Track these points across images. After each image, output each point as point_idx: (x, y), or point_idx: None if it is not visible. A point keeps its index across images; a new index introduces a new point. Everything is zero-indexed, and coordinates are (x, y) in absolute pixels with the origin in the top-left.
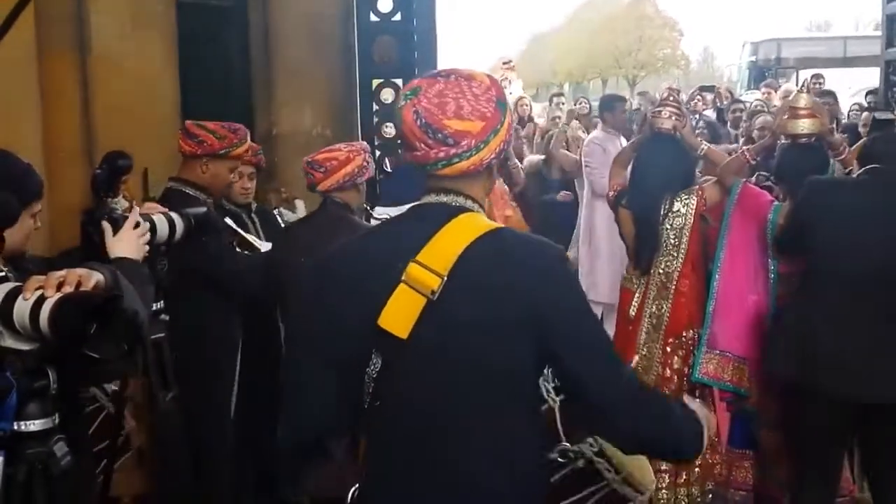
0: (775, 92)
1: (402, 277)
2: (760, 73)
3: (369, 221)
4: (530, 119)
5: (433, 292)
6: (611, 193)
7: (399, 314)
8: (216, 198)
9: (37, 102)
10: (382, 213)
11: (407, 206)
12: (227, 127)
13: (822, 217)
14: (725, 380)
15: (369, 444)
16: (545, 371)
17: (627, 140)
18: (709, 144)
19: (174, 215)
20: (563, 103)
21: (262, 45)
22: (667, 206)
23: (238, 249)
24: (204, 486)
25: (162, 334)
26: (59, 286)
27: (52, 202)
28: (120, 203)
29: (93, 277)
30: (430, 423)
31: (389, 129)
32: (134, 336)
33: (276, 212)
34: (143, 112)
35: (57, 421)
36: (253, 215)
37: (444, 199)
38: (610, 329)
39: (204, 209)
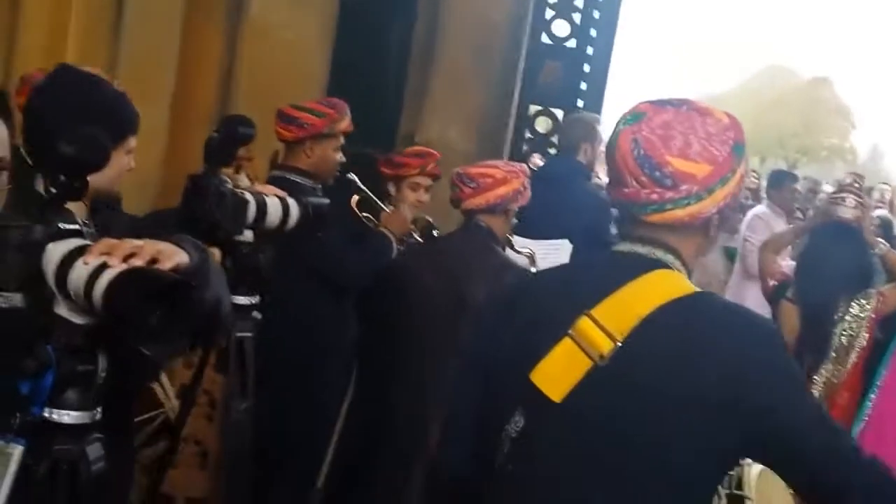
0: None
1: (570, 330)
2: None
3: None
4: None
5: (602, 357)
6: (772, 283)
7: (556, 372)
8: (325, 182)
9: (173, 60)
10: (524, 245)
11: (549, 243)
12: (325, 103)
13: None
14: None
15: None
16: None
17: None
18: (888, 245)
19: (291, 200)
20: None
21: (426, 44)
22: (843, 308)
23: (358, 212)
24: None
25: (249, 333)
26: (129, 257)
27: (172, 169)
28: (241, 180)
29: (176, 256)
30: (563, 500)
31: (537, 161)
32: (210, 327)
33: None
34: (287, 90)
35: (98, 417)
36: None
37: (640, 249)
38: None
39: (327, 201)
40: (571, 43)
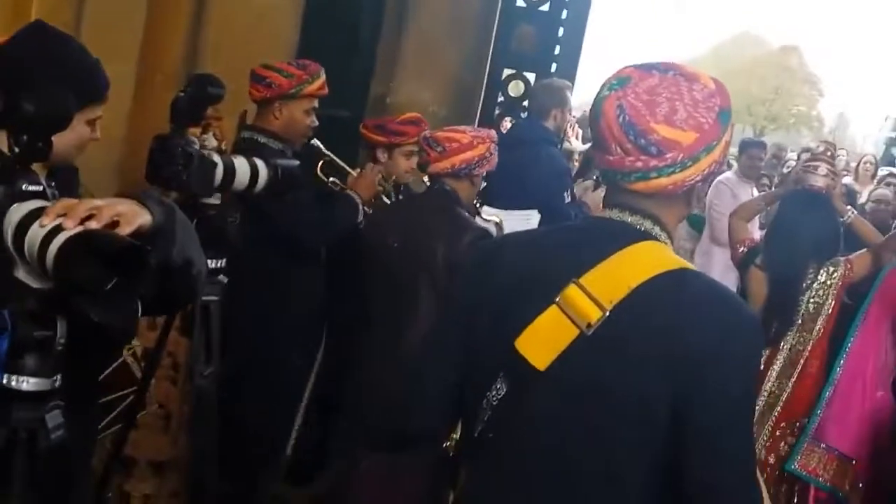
0: None
1: (556, 298)
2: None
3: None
4: None
5: (589, 325)
6: (741, 249)
7: (541, 340)
8: (294, 145)
9: (140, 18)
10: (492, 213)
11: (519, 213)
12: (295, 64)
13: None
14: (824, 479)
15: (471, 476)
16: None
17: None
18: (855, 213)
19: (259, 162)
20: None
21: (398, 5)
22: (811, 276)
23: (324, 177)
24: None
25: (215, 297)
26: (86, 219)
27: (138, 128)
28: (209, 141)
29: (137, 218)
30: (547, 470)
31: (508, 125)
32: (180, 288)
33: None
34: (256, 50)
35: (58, 384)
36: None
37: (628, 218)
38: None
39: (297, 162)
40: (545, 6)
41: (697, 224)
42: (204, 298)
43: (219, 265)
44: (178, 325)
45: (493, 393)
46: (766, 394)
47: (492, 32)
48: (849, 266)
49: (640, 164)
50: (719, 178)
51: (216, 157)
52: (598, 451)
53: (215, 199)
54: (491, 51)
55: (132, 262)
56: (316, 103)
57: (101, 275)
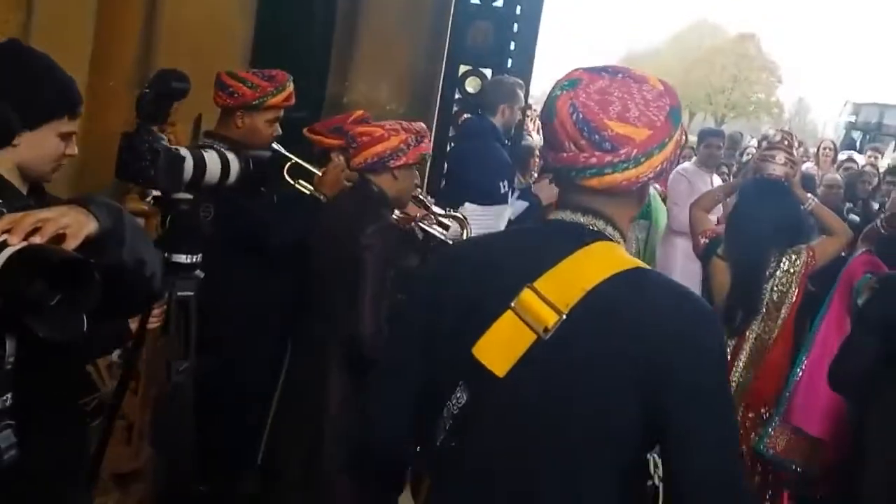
0: (881, 156)
1: (512, 303)
2: (853, 137)
3: (427, 216)
4: None
5: (546, 330)
6: (702, 240)
7: (499, 346)
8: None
9: (91, 24)
10: (474, 210)
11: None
12: (260, 75)
13: None
14: (794, 461)
15: (436, 486)
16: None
17: (722, 180)
18: (816, 200)
19: (230, 155)
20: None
21: (351, 4)
22: (773, 265)
23: (291, 180)
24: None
25: (191, 293)
26: (31, 234)
27: (92, 133)
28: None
29: (84, 227)
30: (510, 478)
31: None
32: (135, 290)
33: None
34: (211, 51)
35: (8, 403)
36: None
37: (580, 218)
38: None
39: (269, 153)
40: (499, 2)
41: (648, 215)
42: (180, 294)
43: (194, 260)
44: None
45: (454, 401)
46: (733, 384)
47: (447, 29)
48: (811, 253)
49: (594, 160)
50: (677, 168)
51: (184, 152)
52: (561, 456)
53: (186, 195)
54: (447, 47)
55: (77, 276)
56: (281, 113)
57: (45, 291)
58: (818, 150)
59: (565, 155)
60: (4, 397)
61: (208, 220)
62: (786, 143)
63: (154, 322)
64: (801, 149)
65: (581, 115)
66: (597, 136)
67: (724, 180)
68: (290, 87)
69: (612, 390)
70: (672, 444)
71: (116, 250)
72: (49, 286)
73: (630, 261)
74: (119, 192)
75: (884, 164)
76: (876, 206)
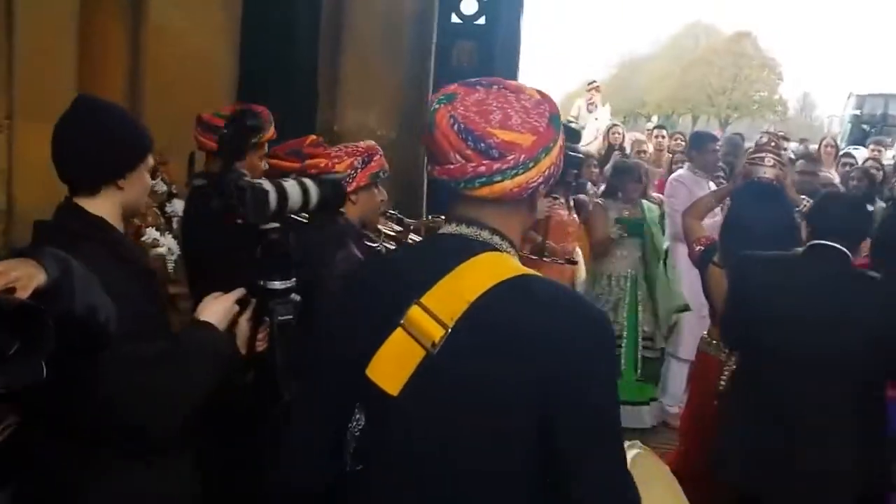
0: (885, 149)
1: (402, 321)
2: (864, 129)
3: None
4: (621, 148)
5: (434, 345)
6: (697, 248)
7: (391, 365)
8: None
9: (72, 70)
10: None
11: None
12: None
13: None
14: None
15: None
16: None
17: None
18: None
19: (308, 181)
20: (663, 136)
21: (334, 32)
22: None
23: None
24: None
25: (290, 316)
26: None
27: None
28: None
29: (34, 279)
30: (415, 495)
31: None
32: (88, 337)
33: None
34: (197, 89)
35: None
36: None
37: (465, 230)
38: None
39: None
40: (481, 20)
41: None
42: (280, 318)
43: (288, 285)
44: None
45: (354, 425)
46: None
47: (430, 51)
48: None
49: (482, 168)
50: (673, 175)
51: (267, 185)
52: (459, 473)
53: (274, 224)
54: (431, 69)
55: (31, 324)
56: (267, 148)
57: (2, 339)
58: (819, 146)
59: (452, 167)
60: None
61: (295, 244)
62: (772, 144)
63: (260, 345)
64: (803, 146)
65: (463, 126)
66: (482, 145)
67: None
68: (272, 121)
69: (502, 401)
70: (560, 454)
71: (66, 300)
72: (5, 335)
73: (516, 268)
74: None
75: (889, 157)
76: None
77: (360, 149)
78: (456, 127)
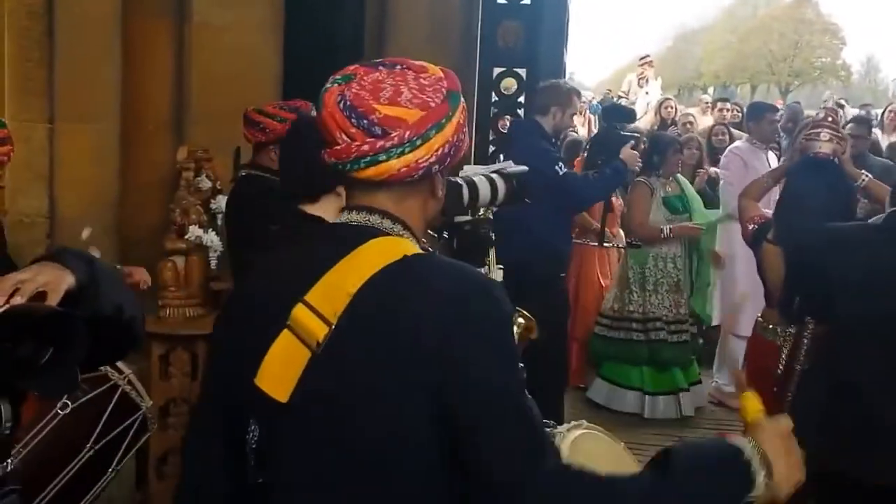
0: None
1: (288, 322)
2: None
3: None
4: (674, 122)
5: (318, 344)
6: (750, 227)
7: (278, 370)
8: None
9: (115, 73)
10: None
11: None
12: (287, 108)
13: None
14: None
15: None
16: None
17: (776, 155)
18: (870, 176)
19: (494, 175)
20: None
21: (378, 24)
22: None
23: None
24: None
25: None
26: (11, 296)
27: (129, 180)
28: (203, 182)
29: (63, 282)
30: (325, 500)
31: (506, 123)
32: (116, 334)
33: None
34: (242, 86)
35: (10, 468)
36: None
37: (355, 217)
38: None
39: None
40: (526, 0)
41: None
42: None
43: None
44: (188, 371)
45: (251, 437)
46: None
47: (476, 34)
48: None
49: (366, 147)
50: (730, 147)
51: (458, 180)
52: (359, 478)
53: (467, 216)
54: (478, 52)
55: (63, 329)
56: None
57: (35, 348)
58: (883, 113)
59: (338, 148)
60: (5, 463)
61: (490, 235)
62: (829, 119)
63: None
64: (865, 111)
65: (348, 103)
66: (365, 121)
67: (778, 156)
68: (314, 113)
69: (395, 394)
70: (458, 442)
71: (94, 300)
72: (38, 343)
73: (402, 250)
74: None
75: None
76: None
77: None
78: (342, 104)
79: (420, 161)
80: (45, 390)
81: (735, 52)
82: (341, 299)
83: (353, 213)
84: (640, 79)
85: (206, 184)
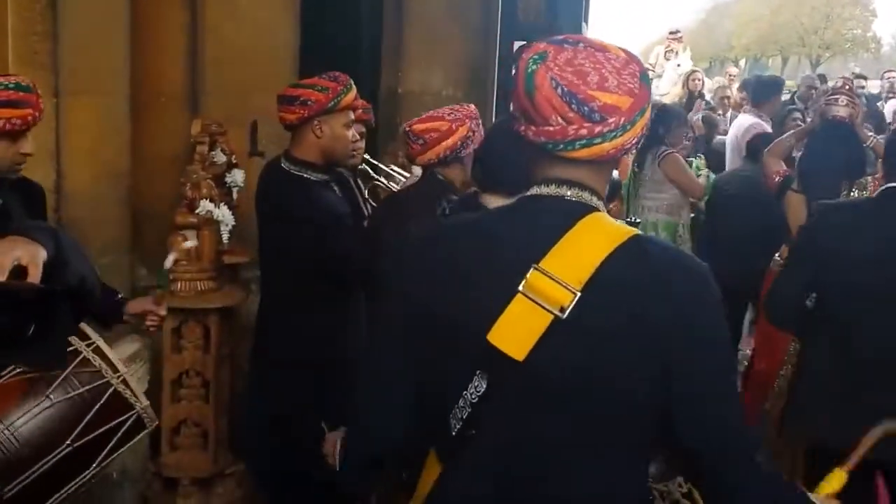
0: None
1: (521, 287)
2: None
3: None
4: (700, 95)
5: (563, 309)
6: (777, 179)
7: (515, 331)
8: (340, 164)
9: (123, 43)
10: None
11: None
12: (326, 77)
13: None
14: None
15: (450, 474)
16: None
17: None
18: (877, 137)
19: None
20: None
21: None
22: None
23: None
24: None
25: None
26: None
27: (141, 153)
28: (218, 156)
29: (39, 256)
30: (531, 460)
31: None
32: (82, 305)
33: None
34: (258, 58)
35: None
36: (359, 180)
37: (565, 191)
38: None
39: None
40: None
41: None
42: None
43: None
44: (200, 344)
45: (472, 391)
46: None
47: (497, 7)
48: (875, 184)
49: (584, 131)
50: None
51: None
52: (583, 434)
53: None
54: (499, 25)
55: (45, 303)
56: (352, 115)
57: (18, 324)
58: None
59: (552, 128)
60: None
61: None
62: (847, 87)
63: None
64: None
65: (565, 89)
66: (586, 108)
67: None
68: (354, 86)
69: (631, 362)
70: (673, 414)
71: (64, 271)
72: (22, 318)
73: (626, 230)
74: (170, 209)
75: None
76: None
77: (471, 113)
78: (559, 90)
79: (626, 143)
80: (31, 362)
81: (767, 24)
82: (585, 269)
83: (553, 186)
84: (667, 51)
85: (220, 158)
